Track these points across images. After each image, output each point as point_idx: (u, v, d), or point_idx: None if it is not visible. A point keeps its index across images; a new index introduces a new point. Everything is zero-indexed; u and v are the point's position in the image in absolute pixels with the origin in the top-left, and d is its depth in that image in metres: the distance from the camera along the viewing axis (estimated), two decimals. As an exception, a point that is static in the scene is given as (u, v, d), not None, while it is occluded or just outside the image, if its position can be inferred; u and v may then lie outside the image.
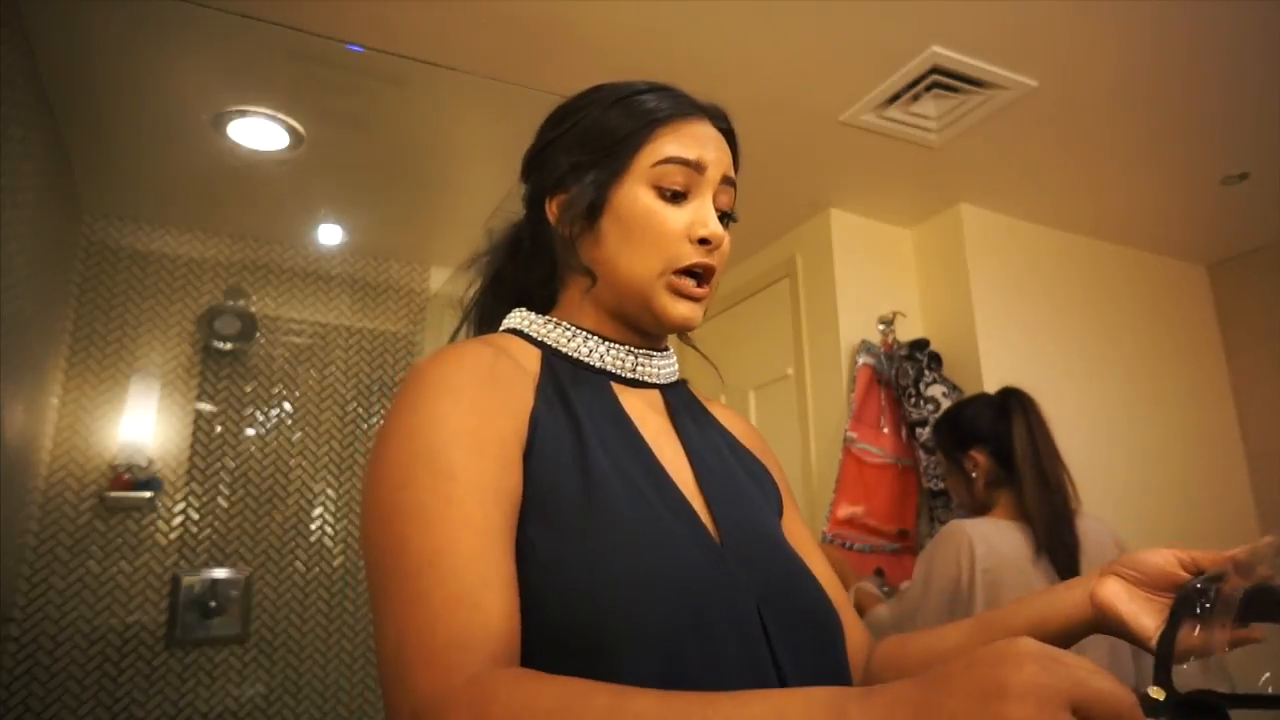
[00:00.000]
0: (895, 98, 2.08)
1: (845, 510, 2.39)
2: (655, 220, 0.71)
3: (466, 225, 2.74)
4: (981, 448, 1.72)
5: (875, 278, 2.72)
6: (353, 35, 1.86)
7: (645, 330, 0.76)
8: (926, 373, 2.48)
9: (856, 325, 2.61)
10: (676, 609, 0.58)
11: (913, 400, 2.45)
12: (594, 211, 0.72)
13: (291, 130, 2.25)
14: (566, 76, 1.92)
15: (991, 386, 2.46)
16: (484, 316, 0.85)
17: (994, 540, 1.59)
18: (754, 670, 0.61)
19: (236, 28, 1.79)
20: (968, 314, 2.56)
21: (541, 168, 0.78)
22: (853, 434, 2.45)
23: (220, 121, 2.20)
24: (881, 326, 2.62)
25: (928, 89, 2.04)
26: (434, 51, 1.91)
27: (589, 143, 0.74)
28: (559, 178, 0.75)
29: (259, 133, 2.26)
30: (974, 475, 1.73)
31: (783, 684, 0.61)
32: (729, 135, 0.79)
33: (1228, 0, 1.73)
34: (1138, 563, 0.68)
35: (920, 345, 2.54)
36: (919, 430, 2.42)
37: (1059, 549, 1.58)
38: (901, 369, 2.50)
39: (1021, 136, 2.25)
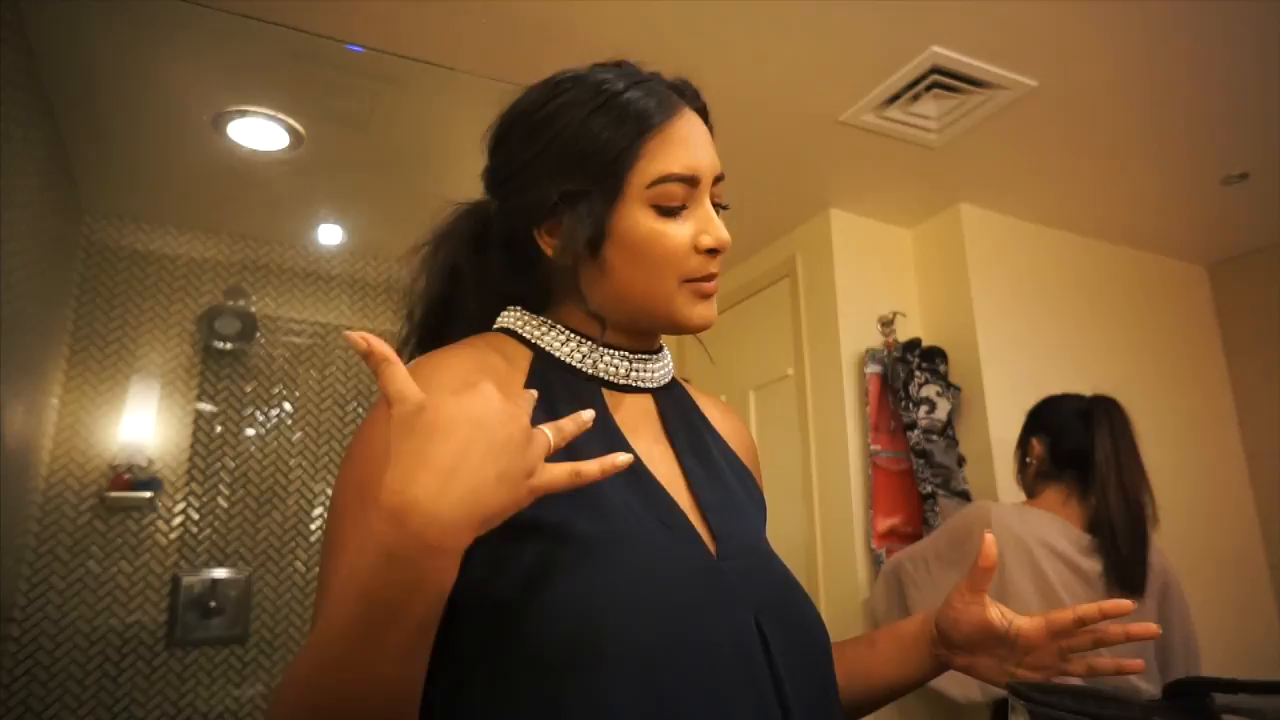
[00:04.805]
0: (895, 98, 2.08)
1: (884, 524, 2.41)
2: (661, 242, 0.69)
3: (466, 225, 2.73)
4: (1043, 438, 1.78)
5: (875, 278, 2.72)
6: (353, 35, 1.86)
7: (659, 331, 0.75)
8: (917, 374, 2.48)
9: (857, 325, 2.61)
10: (657, 626, 0.58)
11: (904, 403, 2.45)
12: (595, 243, 0.69)
13: (291, 130, 2.25)
14: (566, 76, 1.90)
15: (991, 386, 2.47)
16: (443, 321, 0.81)
17: (1015, 527, 1.64)
18: (750, 683, 0.60)
19: (236, 28, 1.79)
20: (968, 314, 2.56)
21: (519, 193, 0.72)
22: (875, 446, 2.46)
23: (220, 121, 2.20)
24: (881, 327, 2.62)
25: (928, 89, 2.04)
26: (434, 51, 1.91)
27: (574, 165, 0.69)
28: (548, 209, 0.70)
29: (259, 133, 2.25)
30: (1028, 461, 1.81)
31: (780, 696, 0.61)
32: (703, 113, 0.75)
33: (1228, 0, 1.73)
34: (954, 627, 0.77)
35: (911, 346, 2.54)
36: (910, 434, 2.42)
37: (1134, 564, 1.60)
38: (894, 371, 2.50)
39: (1021, 136, 2.25)
